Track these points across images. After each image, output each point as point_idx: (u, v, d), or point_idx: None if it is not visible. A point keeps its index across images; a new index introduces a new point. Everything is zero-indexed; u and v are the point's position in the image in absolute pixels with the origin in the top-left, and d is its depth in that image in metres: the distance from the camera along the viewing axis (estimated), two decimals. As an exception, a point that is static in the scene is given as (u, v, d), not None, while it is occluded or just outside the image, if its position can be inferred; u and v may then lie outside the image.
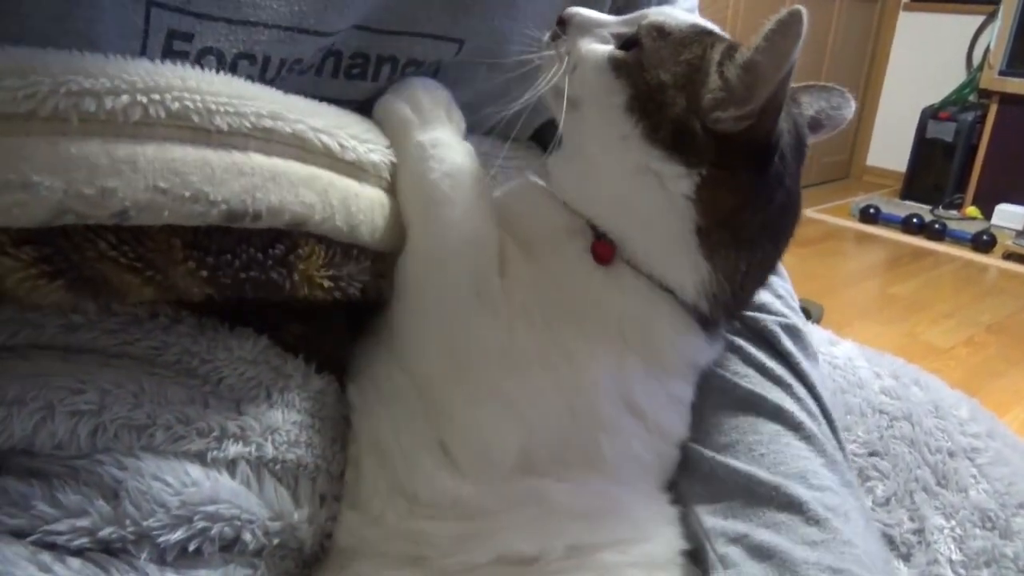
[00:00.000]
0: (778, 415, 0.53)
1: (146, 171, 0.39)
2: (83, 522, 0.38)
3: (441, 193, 0.50)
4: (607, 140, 0.50)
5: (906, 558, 0.59)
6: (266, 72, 0.49)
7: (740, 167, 0.48)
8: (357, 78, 0.54)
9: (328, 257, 0.48)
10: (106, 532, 0.38)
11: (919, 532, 0.61)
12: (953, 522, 0.61)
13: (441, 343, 0.48)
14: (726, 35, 0.52)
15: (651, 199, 0.49)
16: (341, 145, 0.47)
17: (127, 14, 0.42)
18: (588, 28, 0.53)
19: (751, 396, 0.54)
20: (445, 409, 0.47)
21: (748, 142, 0.47)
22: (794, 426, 0.53)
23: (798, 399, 0.54)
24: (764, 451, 0.51)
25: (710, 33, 0.51)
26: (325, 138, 0.46)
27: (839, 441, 0.55)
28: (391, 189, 0.51)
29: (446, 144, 0.52)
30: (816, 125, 0.57)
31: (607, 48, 0.51)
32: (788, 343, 0.58)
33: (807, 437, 0.52)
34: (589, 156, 0.52)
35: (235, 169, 0.42)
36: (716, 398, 0.55)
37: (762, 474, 0.49)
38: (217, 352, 0.46)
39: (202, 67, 0.45)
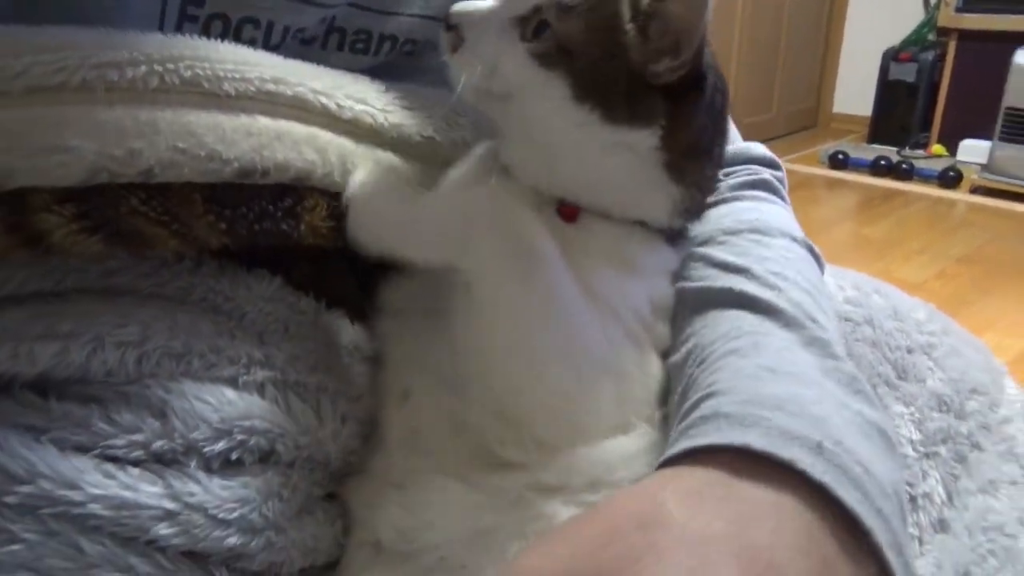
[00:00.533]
0: (736, 299, 0.54)
1: (166, 133, 0.44)
2: (137, 437, 0.43)
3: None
4: (562, 129, 0.51)
5: (870, 443, 0.65)
6: (270, 38, 0.53)
7: (689, 102, 0.51)
8: (360, 52, 0.59)
9: (330, 208, 0.52)
10: (158, 445, 0.43)
11: (883, 420, 0.67)
12: (912, 408, 0.67)
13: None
14: None
15: (623, 164, 0.52)
16: (338, 105, 0.52)
17: None
18: (482, 24, 0.52)
19: (708, 294, 0.56)
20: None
21: (685, 86, 0.50)
22: (751, 304, 0.53)
23: (756, 277, 0.56)
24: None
25: None
26: (323, 99, 0.51)
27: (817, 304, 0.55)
28: (385, 143, 0.56)
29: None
30: None
31: (521, 45, 0.50)
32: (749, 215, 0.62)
33: (767, 311, 0.53)
34: (546, 144, 0.52)
35: (243, 130, 0.47)
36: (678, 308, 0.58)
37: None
38: (238, 290, 0.51)
39: (209, 32, 0.50)
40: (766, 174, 0.71)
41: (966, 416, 0.68)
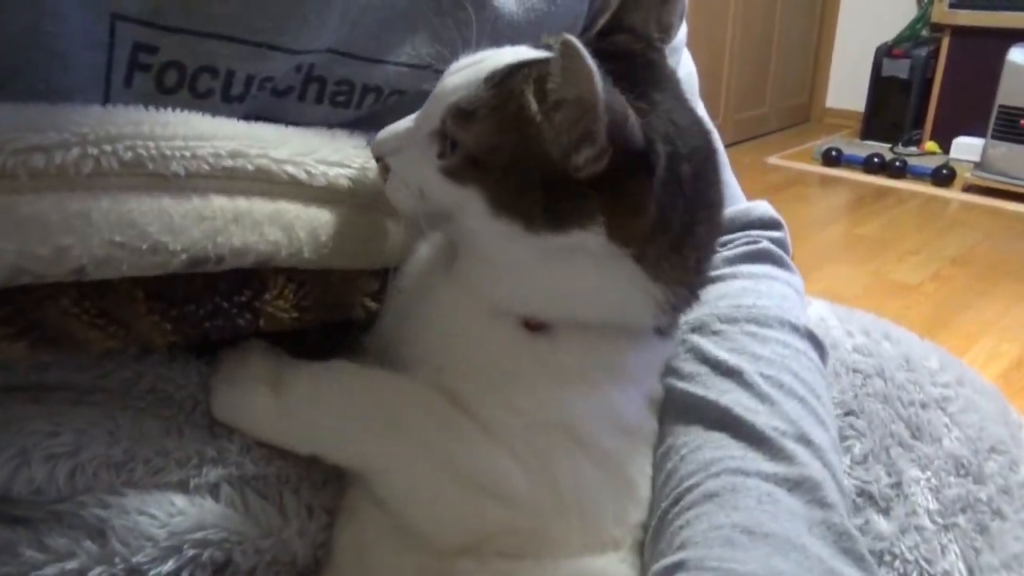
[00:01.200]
0: (722, 419, 0.50)
1: (101, 225, 0.38)
2: (72, 564, 0.38)
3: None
4: (498, 243, 0.46)
5: (885, 512, 0.61)
6: (230, 88, 0.47)
7: (631, 190, 0.44)
8: (341, 106, 0.53)
9: (298, 292, 0.48)
10: (96, 572, 0.38)
11: (896, 486, 0.62)
12: (928, 472, 0.63)
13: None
14: (546, 54, 0.45)
15: (580, 270, 0.46)
16: (308, 172, 0.47)
17: (91, 27, 0.41)
18: (402, 147, 0.48)
19: (695, 401, 0.52)
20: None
21: (619, 166, 0.43)
22: (737, 429, 0.49)
23: (748, 385, 0.51)
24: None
25: (504, 74, 0.45)
26: (291, 168, 0.46)
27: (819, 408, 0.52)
28: (366, 207, 0.51)
29: None
30: (649, 39, 0.51)
31: (435, 163, 0.46)
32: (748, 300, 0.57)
33: (753, 439, 0.48)
34: (491, 259, 0.48)
35: (195, 215, 0.41)
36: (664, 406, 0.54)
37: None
38: (191, 377, 0.46)
39: (163, 83, 0.44)
40: (764, 242, 0.65)
41: (985, 479, 0.64)
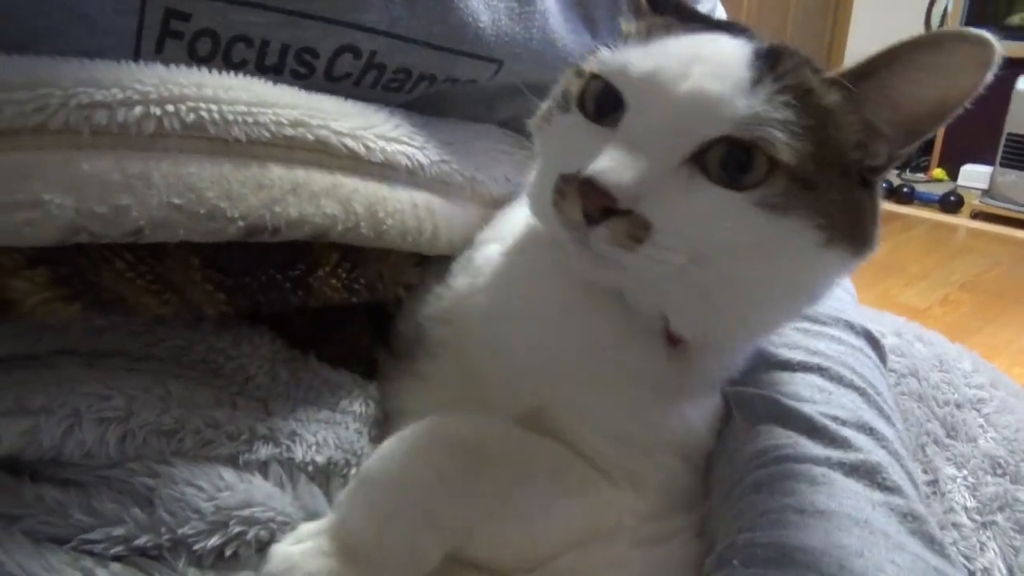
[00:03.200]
0: (774, 414, 0.48)
1: (160, 187, 0.38)
2: (119, 530, 0.37)
3: None
4: (805, 283, 0.41)
5: (923, 509, 0.61)
6: (264, 57, 0.47)
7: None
8: (393, 91, 0.53)
9: (351, 276, 0.47)
10: (142, 540, 0.37)
11: (934, 483, 0.62)
12: (965, 471, 0.62)
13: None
14: (749, 42, 0.39)
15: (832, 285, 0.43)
16: (367, 147, 0.46)
17: None
18: (653, 188, 0.36)
19: (747, 398, 0.50)
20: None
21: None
22: (785, 419, 0.47)
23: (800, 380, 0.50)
24: None
25: (772, 66, 0.37)
26: (350, 142, 0.45)
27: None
28: (423, 186, 0.50)
29: None
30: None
31: (738, 196, 0.36)
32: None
33: (803, 427, 0.46)
34: (761, 300, 0.41)
35: (253, 182, 0.41)
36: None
37: None
38: (242, 347, 0.45)
39: (196, 52, 0.44)
40: None
41: (1022, 480, 0.63)
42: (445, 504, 0.40)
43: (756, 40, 0.38)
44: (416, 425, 0.43)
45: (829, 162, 0.36)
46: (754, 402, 0.49)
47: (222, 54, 0.45)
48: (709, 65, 0.37)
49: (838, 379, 0.49)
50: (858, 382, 0.49)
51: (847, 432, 0.44)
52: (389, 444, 0.43)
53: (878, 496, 0.40)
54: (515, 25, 0.53)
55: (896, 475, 0.42)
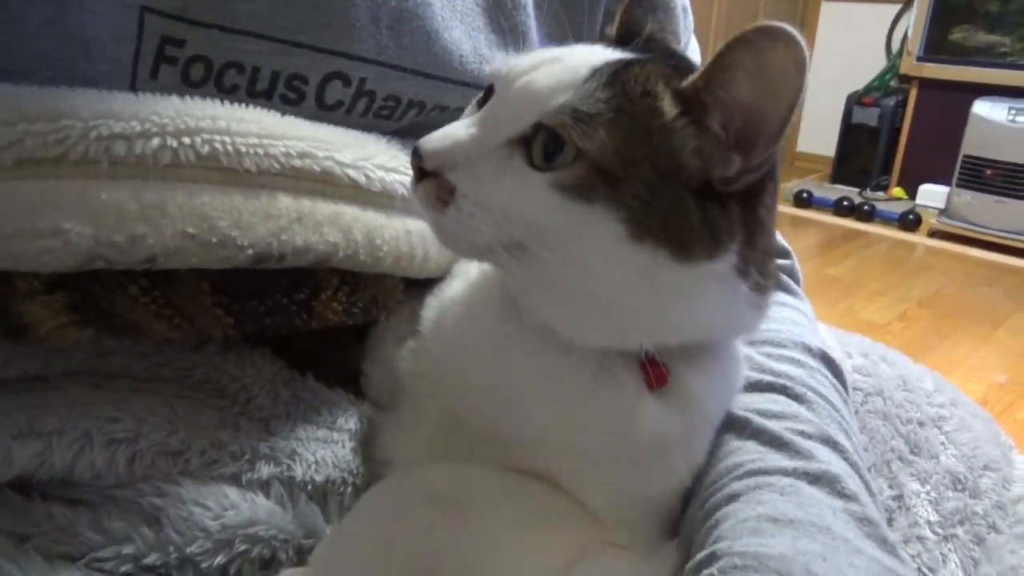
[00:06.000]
0: (746, 432, 0.49)
1: (175, 216, 0.39)
2: (128, 549, 0.38)
3: None
4: (619, 279, 0.39)
5: (888, 523, 0.63)
6: (255, 83, 0.48)
7: (760, 200, 0.41)
8: (383, 118, 0.55)
9: (350, 300, 0.48)
10: (151, 559, 0.39)
11: (898, 498, 0.65)
12: (928, 486, 0.66)
13: None
14: (629, 54, 0.41)
15: (706, 300, 0.41)
16: (367, 177, 0.48)
17: (120, 19, 0.42)
18: (470, 159, 0.40)
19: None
20: None
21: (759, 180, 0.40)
22: (757, 434, 0.49)
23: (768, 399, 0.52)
24: None
25: (614, 74, 0.39)
26: (352, 172, 0.47)
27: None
28: (417, 212, 0.51)
29: None
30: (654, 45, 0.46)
31: (537, 176, 0.38)
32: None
33: (772, 441, 0.48)
34: (596, 297, 0.40)
35: (262, 212, 0.42)
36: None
37: None
38: (245, 368, 0.47)
39: (190, 77, 0.45)
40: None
41: (980, 495, 0.67)
42: (434, 561, 0.40)
43: (653, 63, 0.40)
44: (394, 479, 0.45)
45: (642, 161, 0.37)
46: (729, 420, 0.51)
47: (214, 79, 0.47)
48: (553, 67, 0.40)
49: (800, 397, 0.52)
50: (818, 400, 0.52)
51: (810, 444, 0.47)
52: (368, 502, 0.44)
53: (838, 503, 0.42)
54: (495, 54, 0.55)
55: (853, 484, 0.44)
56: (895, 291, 2.82)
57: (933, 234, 3.24)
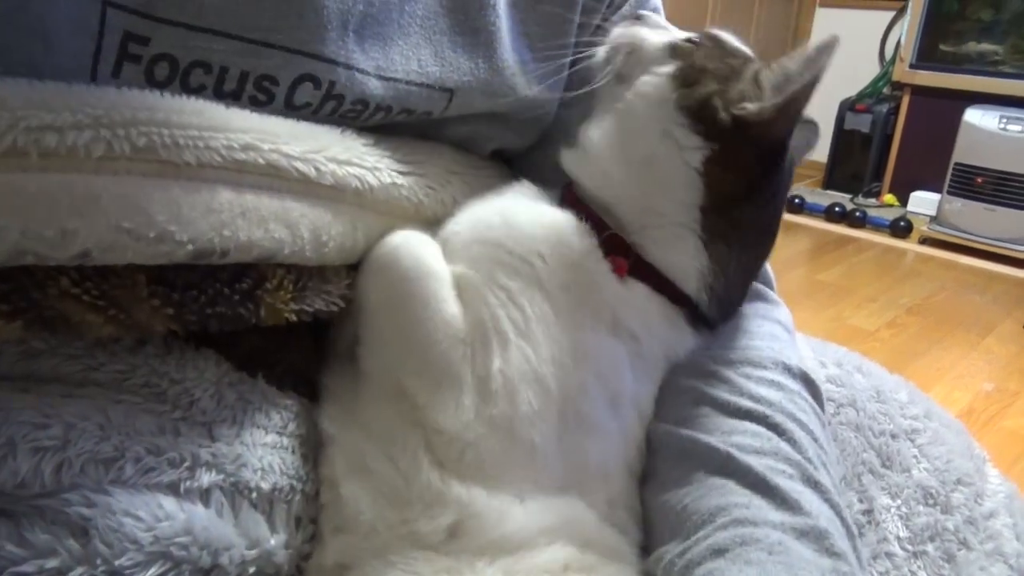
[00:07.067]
0: (727, 468, 0.49)
1: (109, 210, 0.38)
2: (52, 563, 0.36)
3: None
4: (647, 104, 0.54)
5: (858, 538, 0.62)
6: (223, 84, 0.47)
7: (748, 156, 0.53)
8: (350, 119, 0.53)
9: (297, 288, 0.47)
10: (77, 572, 0.37)
11: (868, 512, 0.64)
12: (899, 501, 0.65)
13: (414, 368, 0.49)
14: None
15: (667, 165, 0.53)
16: (318, 170, 0.46)
17: (81, 12, 0.41)
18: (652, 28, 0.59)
19: (696, 447, 0.52)
20: (435, 429, 0.47)
21: (760, 137, 0.52)
22: (742, 475, 0.49)
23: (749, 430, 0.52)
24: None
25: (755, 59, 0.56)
26: (301, 165, 0.46)
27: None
28: (369, 206, 0.51)
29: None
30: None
31: (668, 37, 0.58)
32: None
33: (758, 486, 0.48)
34: (620, 123, 0.55)
35: (203, 206, 0.41)
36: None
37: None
38: (186, 371, 0.45)
39: (154, 76, 0.44)
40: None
41: (952, 510, 0.66)
42: None
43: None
44: None
45: (714, 72, 0.55)
46: (708, 453, 0.50)
47: (180, 79, 0.45)
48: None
49: (779, 428, 0.51)
50: (797, 431, 0.51)
51: (797, 491, 0.46)
52: None
53: (826, 563, 0.42)
54: (459, 57, 0.54)
55: (839, 540, 0.44)
56: (885, 297, 2.82)
57: (924, 241, 3.24)
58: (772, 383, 0.54)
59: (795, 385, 0.56)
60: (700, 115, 0.52)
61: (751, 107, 0.51)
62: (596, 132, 0.57)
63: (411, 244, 0.52)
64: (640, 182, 0.54)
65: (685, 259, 0.54)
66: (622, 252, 0.53)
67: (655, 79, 0.55)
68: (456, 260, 0.52)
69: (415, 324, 0.48)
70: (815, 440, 0.51)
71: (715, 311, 0.56)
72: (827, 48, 0.48)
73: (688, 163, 0.53)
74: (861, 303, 2.77)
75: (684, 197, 0.53)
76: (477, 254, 0.52)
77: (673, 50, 0.56)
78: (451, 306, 0.50)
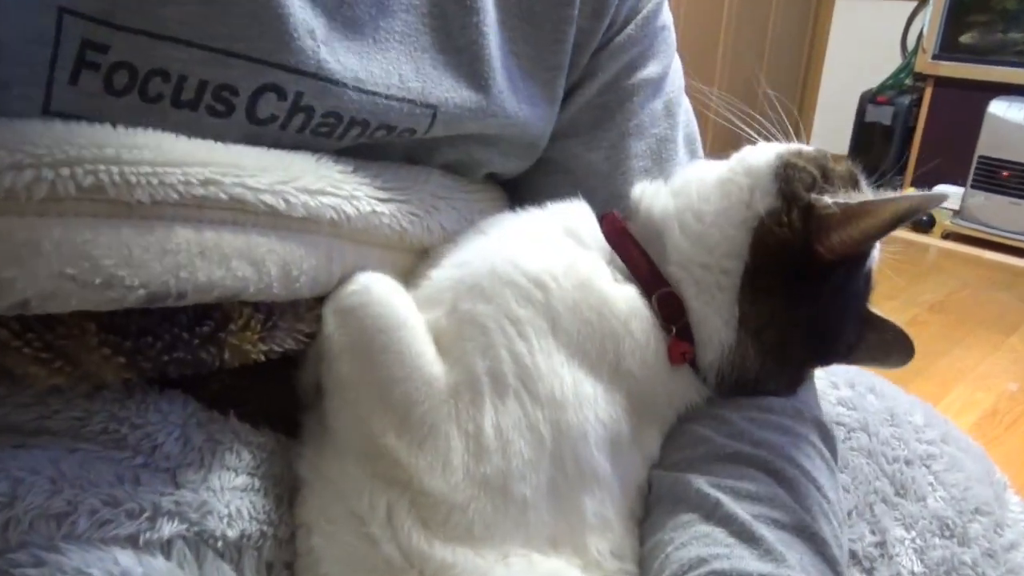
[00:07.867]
0: (716, 515, 0.47)
1: (51, 256, 0.35)
2: None
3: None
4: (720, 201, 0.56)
5: (869, 572, 0.59)
6: (181, 93, 0.44)
7: (787, 272, 0.52)
8: (324, 136, 0.50)
9: (266, 327, 0.45)
10: None
11: (881, 545, 0.61)
12: (913, 532, 0.62)
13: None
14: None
15: (730, 205, 0.54)
16: (287, 202, 0.44)
17: (35, 19, 0.38)
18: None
19: (686, 492, 0.49)
20: (420, 491, 0.45)
21: (818, 232, 0.52)
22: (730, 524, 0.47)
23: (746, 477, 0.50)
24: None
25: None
26: (269, 198, 0.43)
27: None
28: (346, 236, 0.48)
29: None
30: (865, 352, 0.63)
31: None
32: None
33: (743, 535, 0.46)
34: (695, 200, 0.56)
35: (157, 247, 0.38)
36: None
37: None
38: (148, 415, 0.43)
39: (113, 84, 0.41)
40: None
41: (970, 542, 0.62)
42: None
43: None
44: None
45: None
46: (698, 499, 0.48)
47: (138, 88, 0.43)
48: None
49: (779, 474, 0.48)
50: (799, 478, 0.48)
51: (785, 541, 0.44)
52: None
53: None
54: (442, 75, 0.51)
55: None
56: (905, 295, 2.76)
57: (947, 236, 3.17)
58: (778, 427, 0.52)
59: (804, 429, 0.53)
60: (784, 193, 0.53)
61: (827, 200, 0.51)
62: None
63: (380, 290, 0.48)
64: (697, 231, 0.54)
65: (717, 324, 0.53)
66: (677, 312, 0.53)
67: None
68: (435, 306, 0.49)
69: (391, 383, 0.45)
70: (818, 488, 0.49)
71: (722, 387, 0.54)
72: (925, 197, 0.50)
73: (746, 222, 0.53)
74: (880, 301, 2.69)
75: (735, 245, 0.53)
76: (480, 307, 0.49)
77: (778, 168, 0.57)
78: (430, 361, 0.47)
